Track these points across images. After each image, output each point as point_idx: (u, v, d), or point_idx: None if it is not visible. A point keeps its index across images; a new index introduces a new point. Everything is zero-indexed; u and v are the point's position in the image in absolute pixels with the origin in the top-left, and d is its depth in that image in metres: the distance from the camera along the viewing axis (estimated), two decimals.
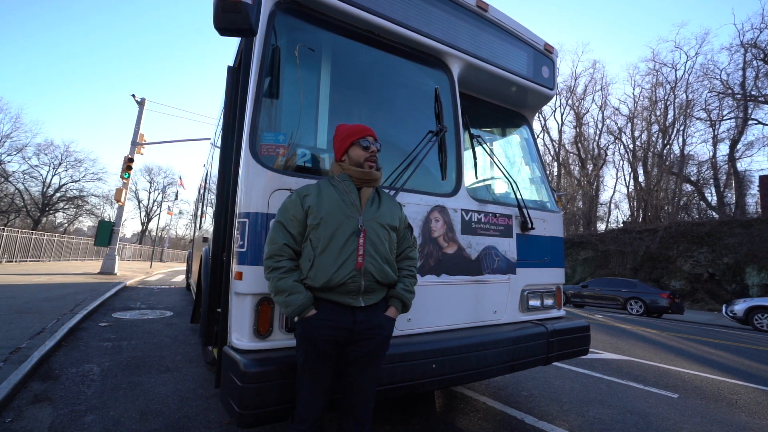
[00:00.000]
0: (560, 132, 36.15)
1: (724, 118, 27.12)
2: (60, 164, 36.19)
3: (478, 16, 2.94)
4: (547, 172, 3.64)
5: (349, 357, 1.73)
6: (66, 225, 40.10)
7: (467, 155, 2.91)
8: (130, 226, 65.29)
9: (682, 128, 29.43)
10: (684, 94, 29.56)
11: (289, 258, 1.70)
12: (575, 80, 36.46)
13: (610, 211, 34.93)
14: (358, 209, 1.74)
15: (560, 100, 35.61)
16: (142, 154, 14.88)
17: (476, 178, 2.99)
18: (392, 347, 1.94)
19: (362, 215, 1.73)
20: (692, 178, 28.91)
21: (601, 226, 33.10)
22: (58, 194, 36.61)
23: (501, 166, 3.02)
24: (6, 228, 17.39)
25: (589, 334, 3.08)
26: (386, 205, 1.85)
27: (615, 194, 35.54)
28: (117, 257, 14.44)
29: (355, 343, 1.72)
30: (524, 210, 2.98)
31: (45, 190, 35.86)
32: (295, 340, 1.93)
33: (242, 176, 1.96)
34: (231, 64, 2.57)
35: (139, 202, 49.47)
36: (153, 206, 50.14)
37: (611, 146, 34.33)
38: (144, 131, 14.70)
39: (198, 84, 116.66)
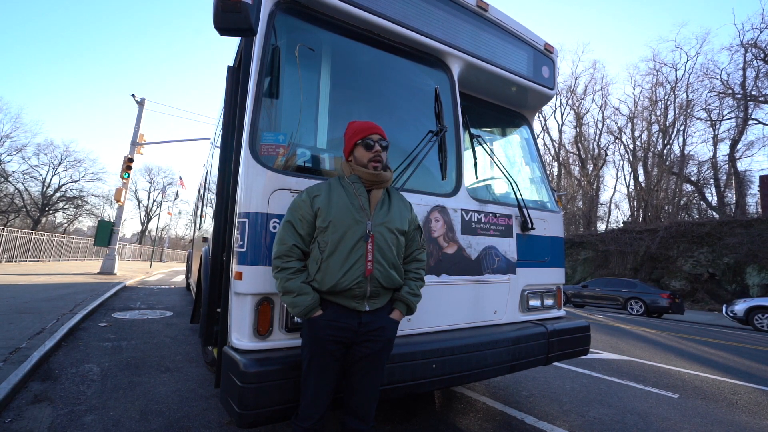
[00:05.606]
0: (560, 132, 36.21)
1: (725, 118, 27.17)
2: (60, 164, 36.28)
3: (479, 16, 2.94)
4: (547, 172, 3.64)
5: (353, 357, 1.73)
6: (66, 225, 40.10)
7: (467, 155, 2.91)
8: (130, 226, 65.36)
9: (682, 128, 29.49)
10: (684, 94, 29.64)
11: (298, 259, 1.72)
12: (575, 80, 36.57)
13: (610, 211, 34.98)
14: (368, 213, 1.73)
15: (560, 100, 35.66)
16: (141, 154, 14.89)
17: (476, 178, 2.99)
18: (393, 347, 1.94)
19: (371, 220, 1.72)
20: (692, 178, 28.92)
21: (601, 226, 33.13)
22: (57, 194, 36.63)
23: (501, 166, 3.02)
24: (6, 228, 17.38)
25: (589, 334, 3.07)
26: (396, 208, 1.83)
27: (615, 194, 35.66)
28: (117, 257, 14.44)
29: (359, 344, 1.72)
30: (524, 210, 2.98)
31: (45, 190, 35.88)
32: (294, 340, 1.95)
33: (242, 176, 1.96)
34: (231, 64, 2.57)
35: (139, 202, 49.58)
36: (153, 206, 50.25)
37: (611, 146, 34.41)
38: (144, 131, 14.70)
39: (198, 84, 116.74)
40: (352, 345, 1.73)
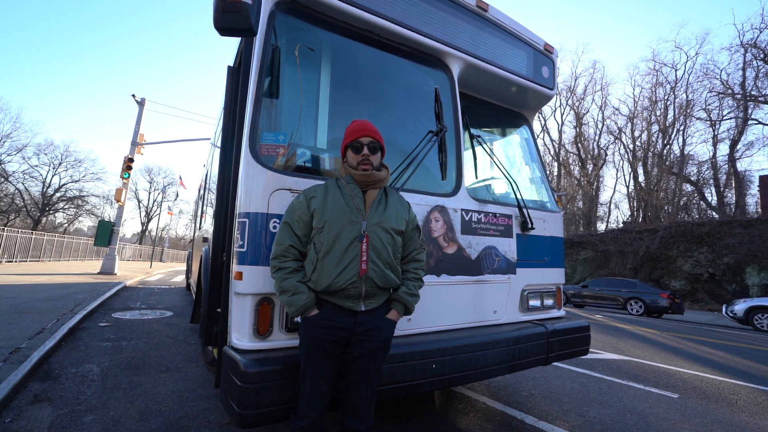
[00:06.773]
0: (560, 132, 36.23)
1: (724, 118, 27.18)
2: (60, 164, 36.26)
3: (478, 16, 2.94)
4: (547, 172, 3.64)
5: (350, 357, 1.74)
6: (66, 225, 40.08)
7: (467, 155, 2.91)
8: (130, 226, 65.39)
9: (682, 128, 29.49)
10: (684, 94, 29.65)
11: (294, 259, 1.74)
12: (575, 80, 36.61)
13: (610, 211, 34.98)
14: (362, 214, 1.74)
15: (560, 100, 35.67)
16: (142, 154, 14.89)
17: (476, 178, 2.99)
18: (392, 347, 1.94)
19: (366, 220, 1.73)
20: (692, 178, 28.92)
21: (601, 226, 33.12)
22: (58, 194, 36.62)
23: (501, 166, 3.02)
24: (6, 228, 17.38)
25: (589, 334, 3.08)
26: (393, 208, 1.83)
27: (615, 194, 35.68)
28: (117, 257, 14.44)
29: (355, 344, 1.73)
30: (524, 210, 2.98)
31: (45, 190, 35.87)
32: (294, 340, 1.95)
33: (242, 176, 1.96)
34: (231, 64, 2.57)
35: (139, 202, 49.58)
36: (153, 206, 50.24)
37: (611, 146, 34.43)
38: (144, 131, 14.70)
39: (198, 84, 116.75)
40: (348, 344, 1.74)
